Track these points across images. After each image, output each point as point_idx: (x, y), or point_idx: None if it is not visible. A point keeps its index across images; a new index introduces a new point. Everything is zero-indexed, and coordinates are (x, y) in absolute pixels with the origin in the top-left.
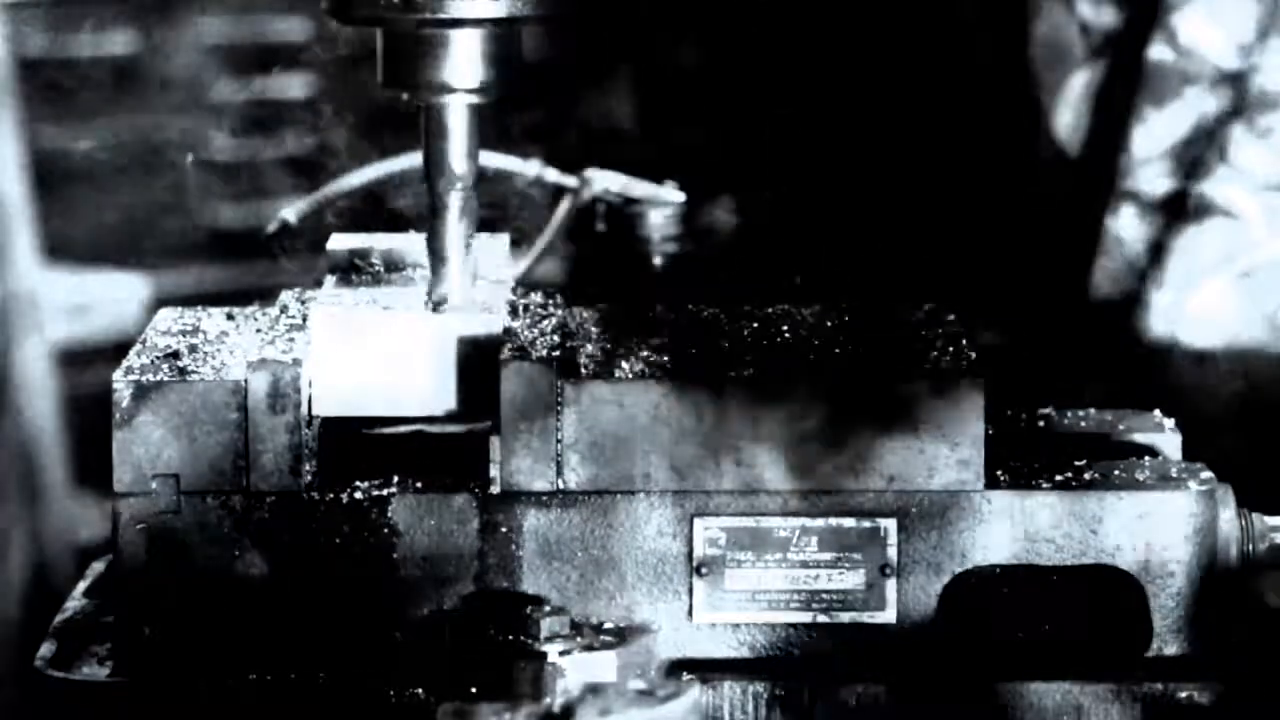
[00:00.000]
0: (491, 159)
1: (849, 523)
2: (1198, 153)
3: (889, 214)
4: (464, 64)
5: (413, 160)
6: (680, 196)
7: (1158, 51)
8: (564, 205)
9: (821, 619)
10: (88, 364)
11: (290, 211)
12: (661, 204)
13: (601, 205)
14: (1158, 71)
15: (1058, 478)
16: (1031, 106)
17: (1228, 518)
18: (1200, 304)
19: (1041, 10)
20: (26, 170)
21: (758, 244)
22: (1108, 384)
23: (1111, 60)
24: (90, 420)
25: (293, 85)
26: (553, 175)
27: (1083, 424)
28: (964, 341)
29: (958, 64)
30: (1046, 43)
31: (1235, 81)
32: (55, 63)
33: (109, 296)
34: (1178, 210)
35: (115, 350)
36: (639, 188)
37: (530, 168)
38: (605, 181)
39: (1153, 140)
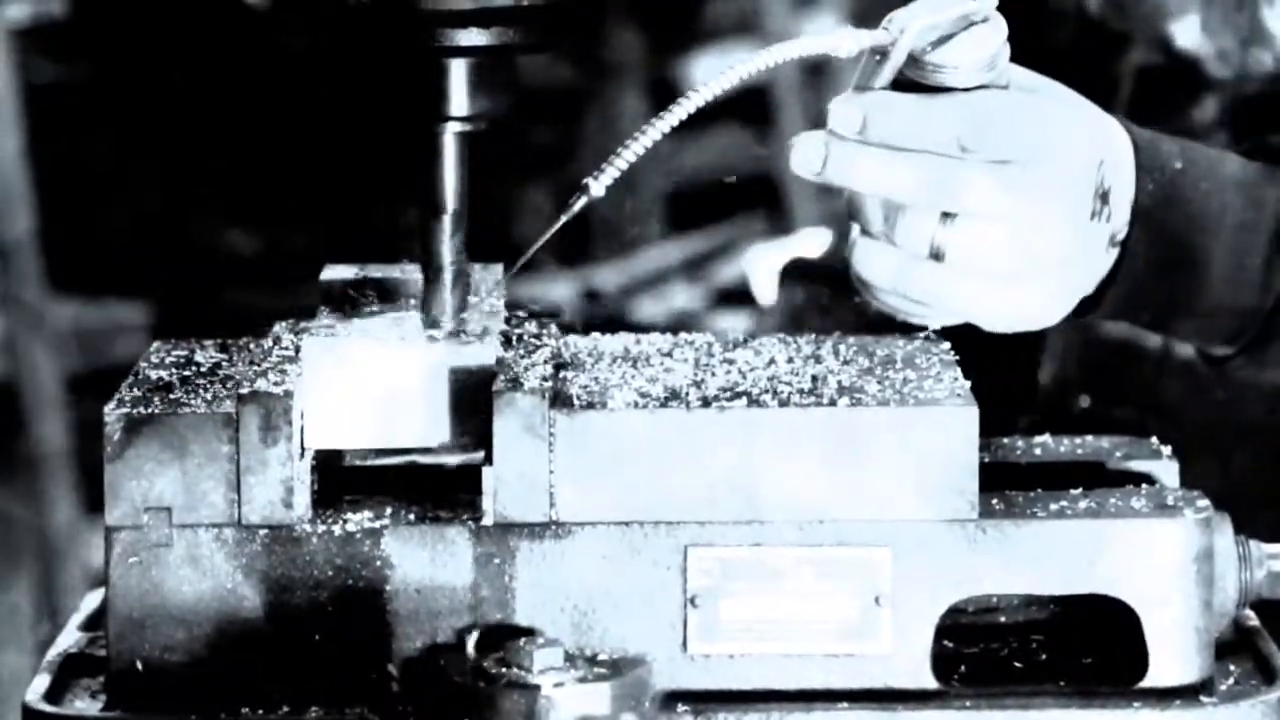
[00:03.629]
0: (795, 47)
1: (842, 552)
2: None
3: None
4: (455, 92)
5: (741, 71)
6: (992, 11)
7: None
8: (867, 65)
9: (815, 649)
10: (99, 389)
11: (595, 184)
12: (984, 30)
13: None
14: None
15: (1053, 506)
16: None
17: (1225, 545)
18: None
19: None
20: (35, 197)
21: None
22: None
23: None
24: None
25: None
26: (865, 38)
27: (1079, 451)
28: (957, 370)
29: None
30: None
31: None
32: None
33: (119, 321)
34: None
35: (125, 375)
36: (955, 12)
37: (842, 41)
38: (920, 21)
39: None
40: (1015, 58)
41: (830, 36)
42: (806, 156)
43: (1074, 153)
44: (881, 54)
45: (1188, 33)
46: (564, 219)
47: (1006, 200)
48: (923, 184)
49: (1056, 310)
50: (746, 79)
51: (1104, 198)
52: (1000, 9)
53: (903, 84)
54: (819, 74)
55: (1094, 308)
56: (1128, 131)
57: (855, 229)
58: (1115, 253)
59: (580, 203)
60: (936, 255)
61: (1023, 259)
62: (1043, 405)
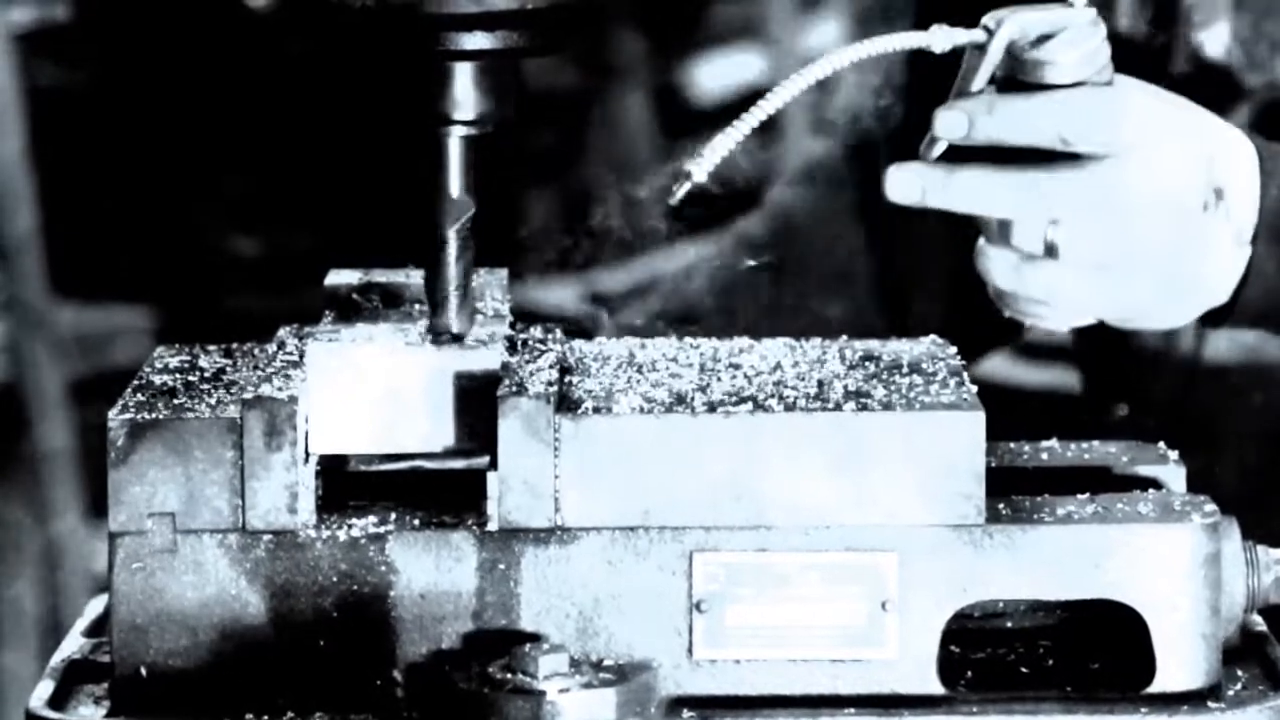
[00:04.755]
0: (888, 41)
1: (848, 558)
2: None
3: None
4: (461, 96)
5: (833, 61)
6: (1091, 12)
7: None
8: (970, 61)
9: (822, 655)
10: (104, 395)
11: (697, 169)
12: (1080, 31)
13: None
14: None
15: (1060, 511)
16: None
17: (1232, 550)
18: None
19: None
20: (39, 202)
21: None
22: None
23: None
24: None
25: None
26: (959, 36)
27: (1086, 456)
28: (964, 375)
29: None
30: None
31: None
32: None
33: (121, 325)
34: None
35: (128, 380)
36: (1053, 17)
37: (935, 37)
38: (1015, 22)
39: None
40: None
41: (925, 33)
42: (904, 187)
43: (1176, 143)
44: (980, 49)
45: (1219, 41)
46: (673, 202)
47: (1103, 197)
48: (1017, 197)
49: (1179, 306)
50: (838, 69)
51: (1218, 193)
52: None
53: (1004, 84)
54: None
55: (1230, 314)
56: (1250, 138)
57: (981, 239)
58: (1245, 255)
59: (684, 189)
60: (1050, 252)
61: (1132, 249)
62: (1079, 413)
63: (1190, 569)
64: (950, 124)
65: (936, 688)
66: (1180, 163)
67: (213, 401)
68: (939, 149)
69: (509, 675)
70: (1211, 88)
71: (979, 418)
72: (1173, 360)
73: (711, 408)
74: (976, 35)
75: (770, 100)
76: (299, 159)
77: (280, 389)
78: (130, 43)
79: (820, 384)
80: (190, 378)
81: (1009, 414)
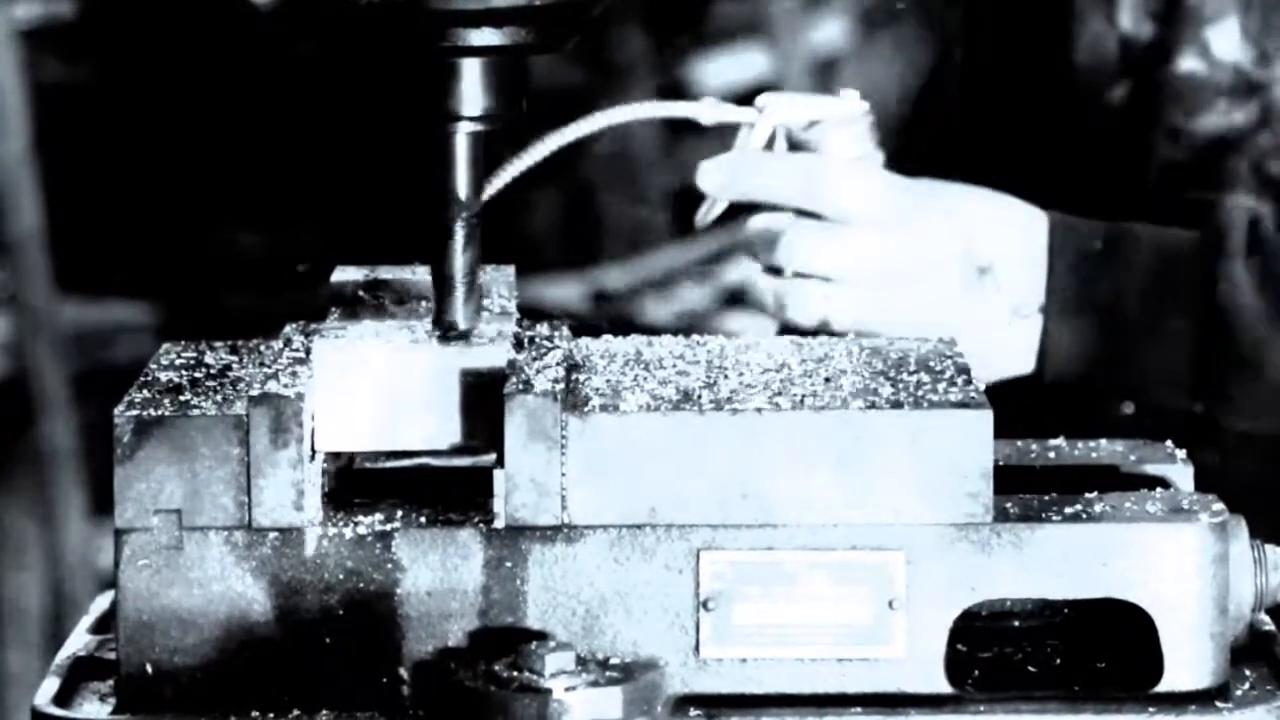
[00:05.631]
0: (660, 108)
1: (855, 556)
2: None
3: None
4: (467, 92)
5: (604, 119)
6: (864, 106)
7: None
8: (743, 139)
9: (829, 653)
10: (108, 391)
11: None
12: (846, 119)
13: (781, 132)
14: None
15: (1067, 510)
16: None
17: (1240, 550)
18: None
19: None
20: (42, 199)
21: None
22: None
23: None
24: (109, 447)
25: None
26: (728, 113)
27: (1094, 455)
28: (971, 373)
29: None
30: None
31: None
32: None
33: (123, 322)
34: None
35: (134, 377)
36: (820, 106)
37: (704, 110)
38: (783, 106)
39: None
40: (1054, 86)
41: (697, 104)
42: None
43: (924, 223)
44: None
45: (1227, 37)
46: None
47: (835, 258)
48: (765, 241)
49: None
50: (612, 125)
51: (983, 270)
52: (1038, 46)
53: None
54: (827, 75)
55: (1040, 382)
56: (1048, 216)
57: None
58: (1033, 324)
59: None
60: (824, 325)
61: (891, 322)
62: (1086, 411)
63: (1198, 568)
64: (708, 175)
65: (944, 687)
66: (930, 241)
67: (219, 398)
68: (716, 210)
69: (515, 673)
70: (1220, 85)
71: (987, 416)
72: None
73: (718, 406)
74: (745, 114)
75: (544, 145)
76: (304, 156)
77: (286, 386)
78: (134, 39)
79: (827, 382)
80: (196, 374)
81: (1016, 412)
